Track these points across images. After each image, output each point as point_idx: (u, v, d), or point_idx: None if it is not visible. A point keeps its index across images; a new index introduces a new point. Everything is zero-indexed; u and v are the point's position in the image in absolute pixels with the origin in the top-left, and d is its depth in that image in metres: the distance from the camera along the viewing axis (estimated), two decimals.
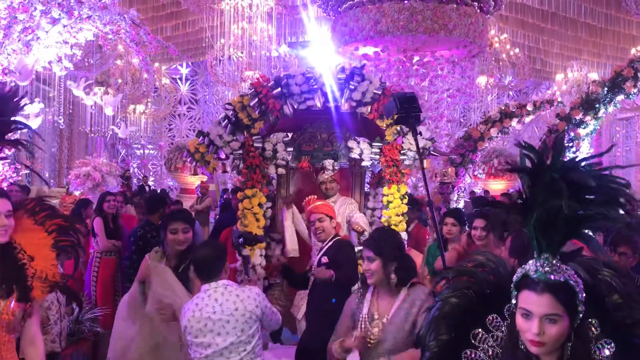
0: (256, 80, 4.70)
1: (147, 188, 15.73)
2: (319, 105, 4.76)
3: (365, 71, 4.77)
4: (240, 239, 4.23)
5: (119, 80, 15.56)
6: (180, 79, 23.35)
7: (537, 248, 1.64)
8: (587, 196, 1.61)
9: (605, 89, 5.67)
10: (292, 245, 4.75)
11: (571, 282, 1.61)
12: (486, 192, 13.03)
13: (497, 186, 12.33)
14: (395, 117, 3.35)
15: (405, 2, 11.76)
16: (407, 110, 3.18)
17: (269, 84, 4.66)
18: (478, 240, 4.34)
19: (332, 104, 4.81)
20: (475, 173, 12.67)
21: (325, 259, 3.95)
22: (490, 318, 1.76)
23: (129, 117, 19.75)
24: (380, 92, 4.73)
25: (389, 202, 4.94)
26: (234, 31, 14.80)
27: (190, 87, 23.23)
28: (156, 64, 19.54)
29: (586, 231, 1.77)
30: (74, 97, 17.18)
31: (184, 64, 23.46)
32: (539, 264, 1.64)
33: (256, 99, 4.66)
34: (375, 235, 3.02)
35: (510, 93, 21.15)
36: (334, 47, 13.15)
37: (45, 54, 6.93)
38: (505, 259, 4.21)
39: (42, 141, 18.95)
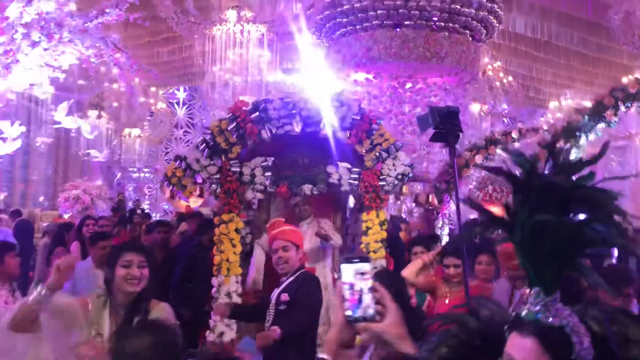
0: (235, 104, 4.71)
1: (138, 211, 15.59)
2: (297, 130, 4.75)
3: (345, 97, 4.77)
4: None
5: (114, 104, 15.62)
6: (178, 103, 23.42)
7: (529, 280, 1.32)
8: (582, 213, 1.28)
9: (587, 117, 5.67)
10: (257, 276, 4.58)
11: (567, 329, 1.24)
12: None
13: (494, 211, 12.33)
14: (433, 132, 3.02)
15: (397, 29, 11.87)
16: (447, 127, 2.90)
17: (247, 109, 4.67)
18: (482, 274, 4.09)
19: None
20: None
21: (285, 297, 3.44)
22: None
23: (124, 140, 19.76)
24: (359, 118, 4.73)
25: (368, 228, 4.89)
26: (230, 56, 14.92)
27: (187, 111, 23.31)
28: (152, 88, 19.62)
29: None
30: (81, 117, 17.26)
31: (181, 89, 23.57)
32: (530, 301, 1.30)
33: (234, 123, 4.66)
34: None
35: (505, 120, 21.23)
36: (331, 74, 13.22)
37: (27, 78, 6.94)
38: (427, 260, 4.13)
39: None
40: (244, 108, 4.66)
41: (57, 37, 6.53)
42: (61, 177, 20.44)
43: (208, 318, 4.78)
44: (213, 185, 4.79)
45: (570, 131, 5.61)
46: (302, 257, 3.66)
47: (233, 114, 4.66)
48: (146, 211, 15.58)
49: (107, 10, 6.83)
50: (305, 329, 3.42)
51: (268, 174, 4.91)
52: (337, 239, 4.91)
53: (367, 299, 1.41)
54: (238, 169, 4.79)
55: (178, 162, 4.69)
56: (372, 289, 1.42)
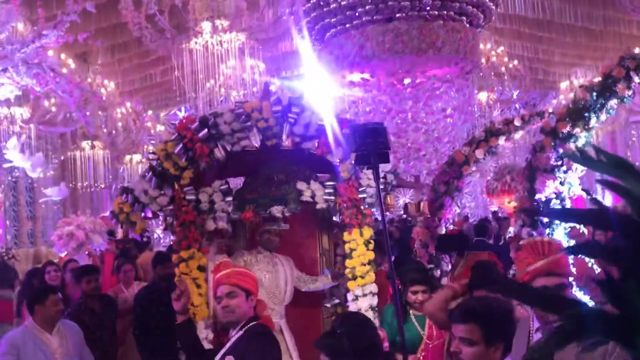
0: (180, 122, 4.11)
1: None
2: (255, 144, 4.12)
3: (304, 100, 4.12)
4: None
5: (113, 131, 15.21)
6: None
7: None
8: None
9: (595, 94, 4.96)
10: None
11: None
12: (495, 212, 12.38)
13: (512, 203, 11.72)
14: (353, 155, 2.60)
15: (389, 23, 11.27)
16: (369, 147, 2.42)
17: (194, 126, 4.06)
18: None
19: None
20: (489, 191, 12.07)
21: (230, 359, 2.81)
22: None
23: (125, 168, 19.45)
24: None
25: (351, 249, 4.23)
26: (224, 70, 14.43)
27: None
28: (150, 112, 19.28)
29: None
30: (73, 150, 16.91)
31: (182, 109, 23.30)
32: None
33: (181, 145, 4.05)
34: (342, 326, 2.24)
35: (517, 106, 20.51)
36: (326, 76, 12.69)
37: None
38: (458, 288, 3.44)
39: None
40: (190, 126, 4.06)
41: None
42: (70, 211, 20.10)
43: None
44: (168, 218, 4.19)
45: (577, 112, 4.91)
46: (258, 304, 3.02)
47: (179, 133, 4.07)
48: (150, 237, 15.09)
49: (44, 33, 6.31)
50: None
51: (229, 198, 4.28)
52: (307, 281, 4.42)
53: None
54: (194, 197, 4.18)
55: (124, 195, 4.11)
56: None
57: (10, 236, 17.56)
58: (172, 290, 5.02)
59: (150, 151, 4.17)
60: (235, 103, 4.25)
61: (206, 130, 4.05)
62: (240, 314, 2.92)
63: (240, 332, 2.89)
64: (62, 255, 11.10)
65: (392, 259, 3.57)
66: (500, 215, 12.72)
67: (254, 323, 2.93)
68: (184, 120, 4.13)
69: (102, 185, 16.81)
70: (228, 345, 2.90)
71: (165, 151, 4.08)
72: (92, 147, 14.05)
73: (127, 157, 18.75)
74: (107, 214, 19.61)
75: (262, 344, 2.87)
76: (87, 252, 10.73)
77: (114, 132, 15.04)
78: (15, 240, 17.67)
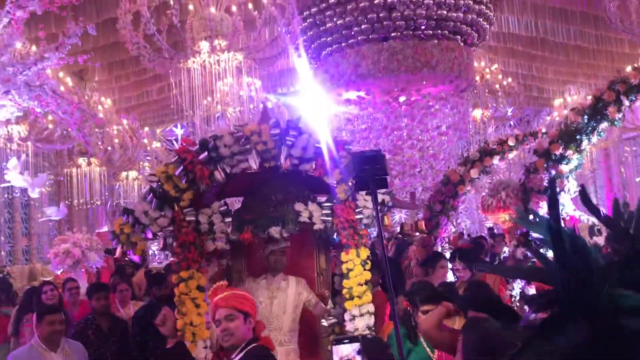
0: (181, 145, 4.18)
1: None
2: (254, 166, 4.19)
3: (302, 123, 4.20)
4: None
5: (109, 148, 15.26)
6: (176, 139, 23.18)
7: None
8: None
9: (586, 117, 5.05)
10: None
11: None
12: (491, 229, 12.43)
13: (503, 224, 11.76)
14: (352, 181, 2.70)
15: (384, 42, 11.42)
16: (367, 173, 2.53)
17: (195, 149, 4.13)
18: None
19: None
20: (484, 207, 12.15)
21: None
22: None
23: (122, 184, 19.43)
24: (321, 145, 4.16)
25: (348, 269, 4.29)
26: (220, 88, 14.53)
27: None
28: (146, 128, 19.36)
29: None
30: (70, 166, 16.92)
31: (179, 125, 23.38)
32: None
33: (181, 167, 4.11)
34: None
35: (511, 123, 20.67)
36: (322, 94, 12.80)
37: None
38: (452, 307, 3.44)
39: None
40: (191, 148, 4.13)
41: None
42: (66, 228, 20.06)
43: None
44: (168, 239, 4.24)
45: (569, 135, 5.00)
46: (257, 325, 3.03)
47: (179, 156, 4.13)
48: (146, 255, 15.10)
49: (45, 56, 6.38)
50: None
51: (228, 219, 4.34)
52: (315, 305, 4.38)
53: None
54: (193, 218, 4.24)
55: (125, 216, 4.16)
56: None
57: (5, 253, 17.50)
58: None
59: (150, 173, 4.23)
60: (234, 126, 4.32)
61: (206, 153, 4.12)
62: (239, 336, 2.93)
63: (241, 355, 2.90)
64: (58, 272, 11.10)
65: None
66: (495, 232, 12.78)
67: (254, 345, 2.94)
68: (184, 143, 4.20)
69: (98, 202, 16.80)
70: None
71: (165, 173, 4.14)
72: (89, 164, 14.08)
73: (123, 173, 18.77)
74: (104, 229, 19.59)
75: None
76: (83, 270, 10.73)
77: (109, 149, 15.09)
78: (10, 257, 17.61)
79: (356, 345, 1.55)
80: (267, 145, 4.13)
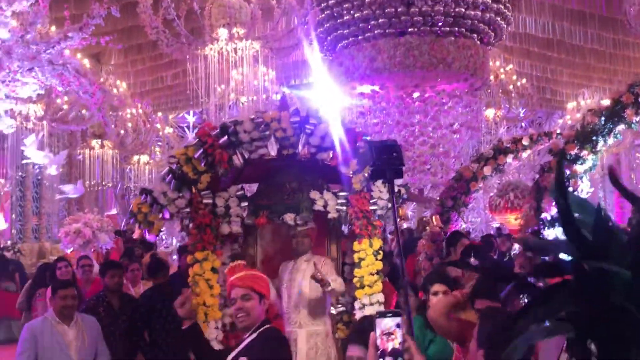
0: (201, 128, 4.24)
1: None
2: (272, 153, 4.25)
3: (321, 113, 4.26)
4: None
5: (122, 132, 15.36)
6: (188, 127, 23.26)
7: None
8: None
9: (603, 118, 5.07)
10: None
11: None
12: (498, 229, 12.43)
13: (516, 221, 11.77)
14: (368, 169, 2.72)
15: (401, 37, 11.41)
16: (385, 162, 2.56)
17: (215, 133, 4.18)
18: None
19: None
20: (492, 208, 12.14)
21: None
22: None
23: (133, 168, 19.56)
24: (342, 134, 4.21)
25: (360, 259, 4.34)
26: (234, 76, 14.57)
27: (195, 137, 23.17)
28: (159, 114, 19.42)
29: None
30: (83, 148, 17.05)
31: (191, 112, 23.44)
32: None
33: (201, 150, 4.18)
34: (366, 325, 2.10)
35: (523, 124, 20.60)
36: (336, 87, 12.82)
37: None
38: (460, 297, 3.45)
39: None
40: (211, 132, 4.19)
41: (14, 67, 6.14)
42: (75, 208, 20.22)
43: None
44: (185, 220, 4.31)
45: (585, 135, 5.02)
46: (271, 308, 3.07)
47: (200, 139, 4.20)
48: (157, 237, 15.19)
49: (69, 35, 6.45)
50: None
51: (244, 204, 4.41)
52: (337, 286, 4.27)
53: (398, 350, 1.59)
54: (210, 201, 4.30)
55: (144, 196, 4.23)
56: (402, 341, 1.59)
57: (16, 230, 17.68)
58: (178, 291, 5.14)
59: (170, 154, 4.29)
60: (255, 112, 4.37)
61: (226, 137, 4.19)
62: (254, 316, 2.96)
63: (254, 335, 2.93)
64: (68, 251, 11.23)
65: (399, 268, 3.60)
66: (502, 232, 12.78)
67: (267, 326, 2.98)
68: (206, 127, 4.26)
69: (109, 185, 16.92)
70: (242, 346, 2.96)
71: (185, 155, 4.21)
72: (102, 146, 14.18)
73: (135, 157, 18.87)
74: (113, 212, 19.73)
75: (274, 347, 2.92)
76: (93, 250, 10.85)
77: (122, 132, 15.19)
78: (20, 234, 17.79)
79: (398, 319, 1.60)
80: (286, 133, 4.18)
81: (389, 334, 1.58)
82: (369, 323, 2.17)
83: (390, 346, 1.58)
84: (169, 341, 4.94)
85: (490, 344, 2.09)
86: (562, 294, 1.02)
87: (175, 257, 14.35)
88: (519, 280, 1.11)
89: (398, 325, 1.58)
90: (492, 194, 13.65)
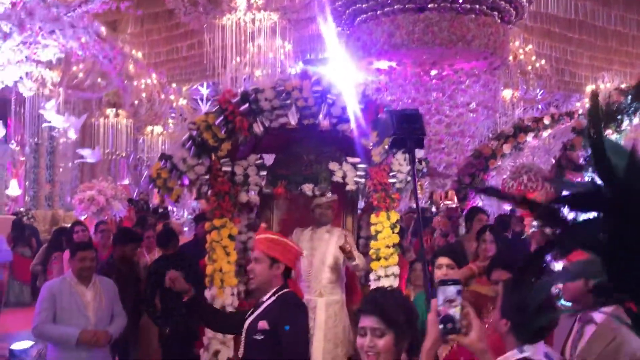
0: (222, 95, 4.21)
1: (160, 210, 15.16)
2: (293, 122, 4.21)
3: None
4: None
5: (136, 102, 15.36)
6: (201, 99, 23.19)
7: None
8: None
9: (629, 97, 4.99)
10: None
11: None
12: (512, 210, 12.35)
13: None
14: (389, 139, 2.66)
15: (421, 13, 11.26)
16: (406, 131, 2.51)
17: (236, 100, 4.15)
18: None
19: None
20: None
21: (263, 324, 2.85)
22: None
23: (146, 138, 19.58)
24: (362, 107, 4.16)
25: (377, 232, 4.33)
26: (250, 49, 14.48)
27: (210, 108, 23.10)
28: (173, 85, 19.38)
29: None
30: (97, 117, 17.08)
31: (205, 84, 23.34)
32: None
33: (222, 117, 4.15)
34: (378, 297, 2.13)
35: (539, 107, 20.39)
36: (353, 62, 12.69)
37: (10, 74, 6.57)
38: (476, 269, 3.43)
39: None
40: (232, 99, 4.16)
41: (36, 29, 6.13)
42: (88, 177, 20.34)
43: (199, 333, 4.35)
44: (203, 187, 4.30)
45: (610, 114, 4.94)
46: (296, 273, 3.06)
47: (220, 106, 4.16)
48: (169, 209, 15.24)
49: None
50: None
51: (263, 173, 4.39)
52: (361, 261, 4.29)
53: (457, 315, 1.68)
54: (229, 169, 4.29)
55: (163, 161, 4.22)
56: (462, 307, 1.68)
57: (29, 198, 17.83)
58: (188, 261, 5.15)
59: (190, 121, 4.27)
60: (276, 80, 4.33)
61: (247, 104, 4.15)
62: (261, 280, 2.98)
63: (273, 298, 2.95)
64: (82, 219, 11.30)
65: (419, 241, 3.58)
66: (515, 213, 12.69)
67: (285, 291, 2.99)
68: (226, 94, 4.23)
69: (123, 154, 16.96)
70: (261, 309, 2.97)
71: (206, 122, 4.18)
72: (116, 115, 14.19)
73: (149, 128, 18.87)
74: (125, 182, 19.74)
75: (294, 313, 2.95)
76: (106, 218, 10.92)
77: (136, 102, 15.20)
78: (33, 202, 17.95)
79: (459, 287, 1.68)
80: (308, 102, 4.14)
81: (451, 300, 1.66)
82: (381, 294, 2.18)
83: (451, 312, 1.67)
84: (180, 310, 4.97)
85: (515, 313, 2.07)
86: (593, 225, 1.01)
87: (186, 229, 14.45)
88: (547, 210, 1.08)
89: (459, 292, 1.67)
90: (505, 177, 13.53)
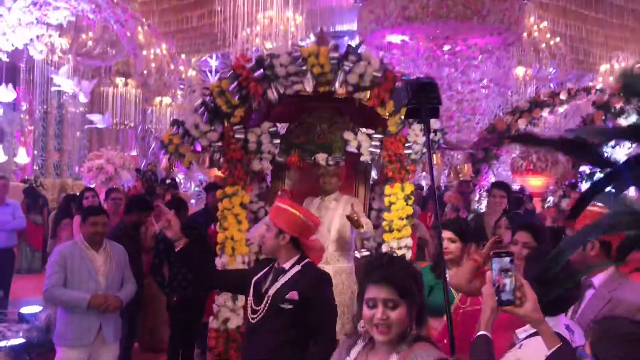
0: (236, 60, 4.12)
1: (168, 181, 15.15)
2: (308, 89, 4.13)
3: (362, 50, 4.11)
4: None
5: (145, 72, 15.24)
6: (210, 71, 23.01)
7: None
8: None
9: None
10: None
11: None
12: (522, 188, 12.27)
13: (537, 182, 11.59)
14: (405, 108, 2.60)
15: None
16: (421, 100, 2.45)
17: (250, 65, 4.06)
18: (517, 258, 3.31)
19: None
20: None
21: (294, 294, 2.82)
22: None
23: (155, 109, 19.49)
24: (380, 75, 4.07)
25: (391, 203, 4.27)
26: (261, 20, 14.28)
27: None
28: (183, 56, 19.17)
29: None
30: (106, 85, 16.99)
31: (214, 56, 23.11)
32: None
33: (235, 83, 4.07)
34: (387, 265, 2.01)
35: (551, 85, 20.13)
36: (361, 36, 12.53)
37: (20, 36, 6.47)
38: (479, 259, 3.40)
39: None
40: (246, 65, 4.07)
41: None
42: (96, 147, 20.33)
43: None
44: (215, 154, 4.24)
45: (631, 88, 4.80)
46: (312, 243, 3.00)
47: (234, 71, 4.08)
48: (177, 180, 15.23)
49: None
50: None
51: (277, 141, 4.32)
52: (368, 228, 4.24)
53: (512, 286, 1.77)
54: (242, 136, 4.22)
55: (175, 127, 4.16)
56: (516, 279, 1.77)
57: (37, 166, 17.87)
58: (197, 230, 5.12)
59: (204, 87, 4.19)
60: (292, 46, 4.23)
61: (262, 70, 4.07)
62: (268, 247, 2.98)
63: (298, 267, 2.93)
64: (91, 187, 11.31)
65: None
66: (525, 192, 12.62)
67: (308, 260, 2.97)
68: (241, 59, 4.14)
69: (131, 125, 16.90)
70: (287, 277, 2.92)
71: (219, 88, 4.11)
72: (125, 84, 14.09)
73: (157, 99, 18.76)
74: (132, 153, 19.73)
75: (324, 285, 2.96)
76: (114, 186, 10.92)
77: (145, 72, 15.06)
78: (42, 170, 17.99)
79: (512, 258, 1.77)
80: (324, 69, 4.06)
81: (506, 270, 1.75)
82: (389, 262, 2.09)
83: (507, 282, 1.76)
84: (188, 279, 4.96)
85: (537, 285, 2.03)
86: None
87: (193, 201, 14.44)
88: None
89: (511, 262, 1.76)
90: (514, 155, 13.43)
